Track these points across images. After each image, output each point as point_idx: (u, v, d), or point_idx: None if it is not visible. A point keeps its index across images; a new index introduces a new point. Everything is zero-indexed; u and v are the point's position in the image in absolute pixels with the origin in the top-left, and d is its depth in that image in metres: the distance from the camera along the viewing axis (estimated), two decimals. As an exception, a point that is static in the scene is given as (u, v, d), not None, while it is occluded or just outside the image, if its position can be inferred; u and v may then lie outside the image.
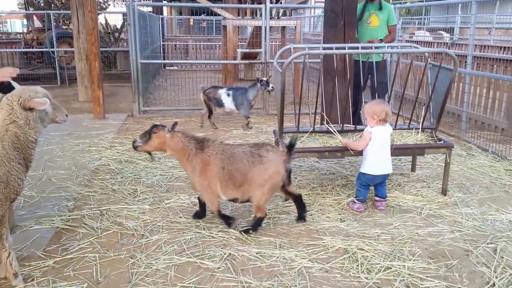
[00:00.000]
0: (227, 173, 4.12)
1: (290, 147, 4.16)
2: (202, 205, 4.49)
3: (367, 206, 4.86)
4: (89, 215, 4.59)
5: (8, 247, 3.28)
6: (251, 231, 4.21)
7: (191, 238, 4.13)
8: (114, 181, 5.58)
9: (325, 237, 4.17)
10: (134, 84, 9.32)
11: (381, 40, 7.16)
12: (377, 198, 4.85)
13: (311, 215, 4.63)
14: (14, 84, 5.89)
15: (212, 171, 4.15)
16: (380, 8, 7.20)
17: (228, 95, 8.13)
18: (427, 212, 4.72)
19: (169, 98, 11.14)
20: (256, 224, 4.24)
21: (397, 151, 4.99)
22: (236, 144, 4.43)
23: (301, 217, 4.51)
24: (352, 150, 4.86)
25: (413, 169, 5.93)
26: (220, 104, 8.17)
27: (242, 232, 4.20)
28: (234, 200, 4.32)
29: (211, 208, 4.33)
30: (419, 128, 5.40)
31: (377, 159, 4.69)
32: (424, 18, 21.42)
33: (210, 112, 8.36)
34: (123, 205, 4.84)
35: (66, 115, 3.74)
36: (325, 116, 5.67)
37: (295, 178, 5.63)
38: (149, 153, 4.57)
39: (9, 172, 3.18)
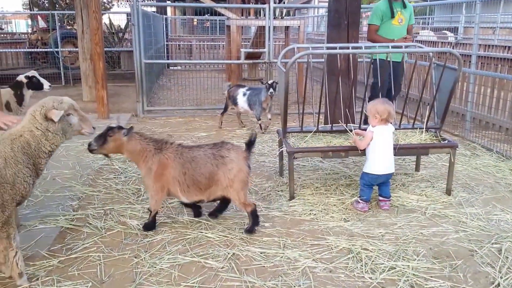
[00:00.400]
0: (190, 178, 4.11)
1: (250, 144, 4.23)
2: (194, 206, 4.50)
3: (371, 206, 4.85)
4: (93, 215, 4.61)
5: (15, 246, 3.29)
6: (255, 229, 4.22)
7: (195, 238, 4.13)
8: (118, 180, 5.59)
9: (329, 237, 4.17)
10: (138, 84, 9.34)
11: (404, 39, 6.98)
12: (381, 198, 4.84)
13: (315, 214, 4.63)
14: (43, 81, 5.92)
15: (169, 175, 4.13)
16: (405, 6, 7.07)
17: (244, 94, 7.97)
18: (431, 212, 4.71)
19: (173, 98, 11.16)
20: (255, 219, 4.25)
21: (401, 150, 4.98)
22: (195, 146, 4.38)
23: (213, 215, 4.54)
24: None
25: (417, 168, 5.91)
26: (235, 102, 8.06)
27: (246, 233, 4.20)
28: (199, 201, 4.34)
29: (152, 207, 4.27)
30: (423, 128, 5.39)
31: (379, 158, 4.68)
32: (428, 18, 21.36)
33: (225, 109, 8.33)
34: (127, 204, 4.85)
35: (94, 128, 3.68)
36: (329, 115, 5.66)
37: (299, 177, 5.63)
38: (106, 154, 4.55)
39: (16, 174, 3.18)
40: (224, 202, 4.51)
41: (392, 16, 6.92)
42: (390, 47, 6.23)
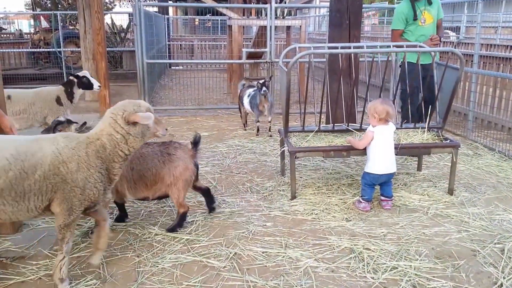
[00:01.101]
0: (137, 173, 4.12)
1: (195, 143, 4.30)
2: (121, 206, 4.46)
3: (373, 206, 4.84)
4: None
5: (65, 251, 3.30)
6: (177, 229, 4.25)
7: (195, 239, 4.13)
8: (119, 180, 5.58)
9: (331, 236, 4.17)
10: (140, 84, 9.36)
11: (430, 40, 6.62)
12: (383, 198, 4.83)
13: (317, 214, 4.63)
14: (93, 81, 5.98)
15: None
16: (430, 3, 6.63)
17: (249, 95, 7.76)
18: (433, 211, 4.70)
19: (175, 97, 11.17)
20: (181, 220, 4.29)
21: (403, 150, 4.98)
22: (143, 144, 4.23)
23: (212, 209, 4.64)
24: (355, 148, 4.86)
25: (419, 168, 5.90)
26: (242, 103, 7.97)
27: (168, 231, 4.22)
28: (144, 199, 4.36)
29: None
30: (425, 128, 5.38)
31: (380, 158, 4.68)
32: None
33: (240, 109, 8.29)
34: (130, 204, 4.83)
35: (166, 129, 3.70)
36: (330, 114, 5.65)
37: (300, 177, 5.63)
38: None
39: (87, 179, 3.19)
40: (206, 194, 4.61)
41: (415, 17, 6.58)
42: (391, 46, 6.22)
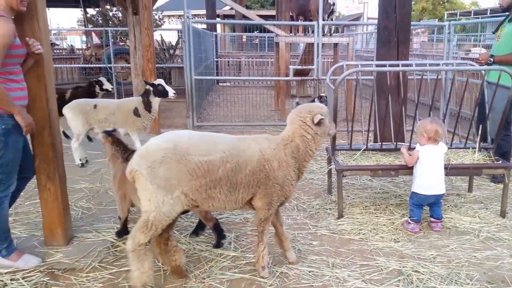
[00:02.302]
0: None
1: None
2: (124, 222, 4.55)
3: (422, 227, 4.76)
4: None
5: (264, 242, 3.70)
6: (222, 241, 4.32)
7: (242, 254, 4.17)
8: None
9: (378, 257, 4.12)
10: (188, 100, 9.56)
11: (492, 56, 6.02)
12: (432, 219, 4.75)
13: (364, 234, 4.59)
14: (168, 88, 6.29)
15: (131, 184, 4.25)
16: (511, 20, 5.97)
17: None
18: (485, 234, 4.58)
19: (222, 113, 11.31)
20: (218, 232, 4.34)
21: (453, 170, 4.88)
22: None
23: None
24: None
25: (470, 189, 5.76)
26: None
27: (215, 247, 4.28)
28: None
29: (119, 214, 4.50)
30: (475, 148, 5.26)
31: (426, 178, 4.61)
32: (480, 35, 20.87)
33: None
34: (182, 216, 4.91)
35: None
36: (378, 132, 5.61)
37: (348, 196, 5.59)
38: None
39: (285, 177, 3.56)
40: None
41: (495, 32, 6.22)
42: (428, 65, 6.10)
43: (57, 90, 8.75)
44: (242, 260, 4.07)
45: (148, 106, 7.02)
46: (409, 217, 4.74)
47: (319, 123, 3.60)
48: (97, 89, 8.62)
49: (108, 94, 9.14)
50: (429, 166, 4.62)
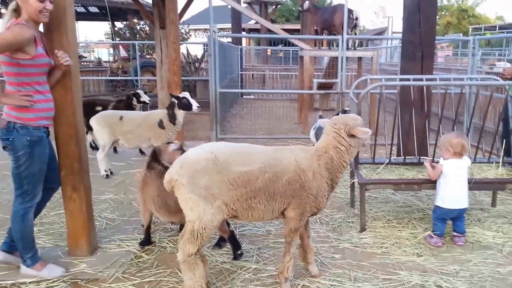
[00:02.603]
0: (161, 200, 4.24)
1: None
2: (147, 231, 4.67)
3: (445, 241, 4.74)
4: (167, 239, 4.78)
5: (291, 253, 3.71)
6: (238, 252, 4.35)
7: (264, 266, 4.21)
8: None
9: (401, 271, 4.12)
10: (212, 113, 9.65)
11: None
12: (455, 234, 4.72)
13: (386, 248, 4.59)
14: (192, 101, 6.44)
15: (147, 193, 4.38)
16: None
17: (314, 128, 7.76)
18: (508, 249, 4.54)
19: (246, 126, 11.38)
20: (233, 243, 4.38)
21: (476, 185, 4.86)
22: None
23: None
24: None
25: (493, 204, 5.71)
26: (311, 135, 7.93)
27: (234, 259, 4.32)
28: (172, 223, 4.67)
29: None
30: (499, 162, 5.23)
31: (449, 192, 4.60)
32: (505, 49, 20.63)
33: None
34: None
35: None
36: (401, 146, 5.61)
37: (371, 209, 5.60)
38: None
39: (319, 188, 3.58)
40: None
41: None
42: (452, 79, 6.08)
43: (101, 101, 9.12)
44: (264, 272, 4.10)
45: (173, 118, 7.14)
46: (432, 231, 4.73)
47: (353, 135, 3.60)
48: (135, 101, 8.95)
49: (144, 106, 9.35)
50: (453, 180, 4.61)
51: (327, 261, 4.31)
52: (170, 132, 7.17)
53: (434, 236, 4.68)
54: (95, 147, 8.66)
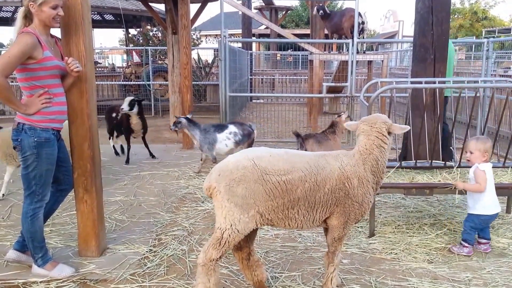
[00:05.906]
0: None
1: None
2: None
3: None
4: (175, 242, 4.74)
5: (336, 263, 3.55)
6: None
7: (272, 272, 4.12)
8: (200, 209, 5.72)
9: (411, 278, 4.00)
10: (222, 116, 9.63)
11: None
12: (483, 240, 4.58)
13: (396, 254, 4.47)
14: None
15: None
16: None
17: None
18: (524, 257, 4.41)
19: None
20: None
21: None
22: None
23: None
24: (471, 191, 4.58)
25: (508, 210, 5.54)
26: None
27: None
28: None
29: None
30: (515, 167, 5.09)
31: (492, 197, 4.46)
32: (520, 52, 20.41)
33: None
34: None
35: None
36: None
37: (380, 214, 5.48)
38: None
39: (365, 194, 3.41)
40: None
41: None
42: (466, 82, 5.97)
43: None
44: (272, 278, 4.01)
45: None
46: (464, 240, 4.54)
47: (390, 133, 3.47)
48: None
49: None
50: (491, 185, 4.47)
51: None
52: None
53: (468, 245, 4.51)
54: (118, 153, 8.75)
